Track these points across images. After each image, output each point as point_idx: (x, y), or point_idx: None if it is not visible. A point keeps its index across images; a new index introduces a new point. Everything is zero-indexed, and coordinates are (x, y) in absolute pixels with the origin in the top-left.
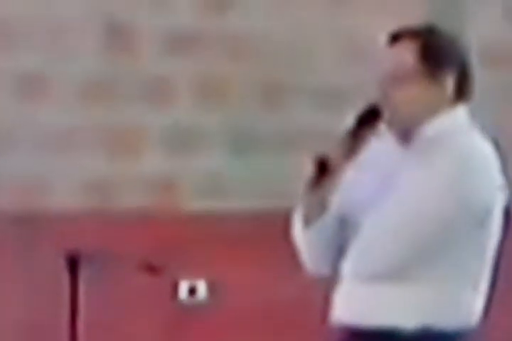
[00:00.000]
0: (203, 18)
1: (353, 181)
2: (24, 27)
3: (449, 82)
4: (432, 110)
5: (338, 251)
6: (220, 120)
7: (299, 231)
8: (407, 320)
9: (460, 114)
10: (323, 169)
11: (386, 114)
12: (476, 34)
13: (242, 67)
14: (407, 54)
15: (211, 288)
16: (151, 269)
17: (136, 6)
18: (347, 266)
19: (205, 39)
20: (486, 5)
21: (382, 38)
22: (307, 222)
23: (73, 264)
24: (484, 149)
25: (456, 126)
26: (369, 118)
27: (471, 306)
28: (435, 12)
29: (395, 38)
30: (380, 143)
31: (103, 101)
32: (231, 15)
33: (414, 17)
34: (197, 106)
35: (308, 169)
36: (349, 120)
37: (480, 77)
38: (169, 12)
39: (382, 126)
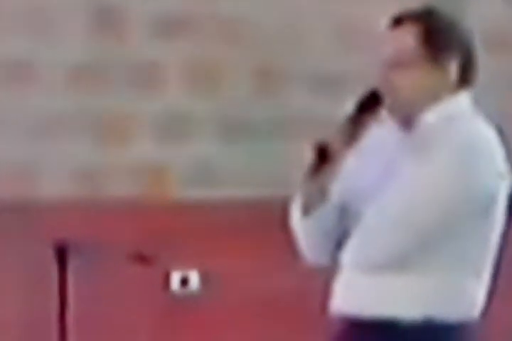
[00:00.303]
0: (194, 1)
1: (354, 169)
2: (11, 11)
3: (452, 67)
4: (435, 96)
5: (338, 240)
6: (211, 106)
7: (297, 220)
8: (408, 311)
9: (463, 100)
10: (323, 156)
11: (387, 100)
12: (479, 19)
13: (234, 52)
14: (409, 38)
15: (204, 278)
16: (142, 259)
17: None
18: (347, 256)
19: (196, 23)
20: None
21: (381, 22)
22: (306, 210)
23: (62, 254)
24: (488, 136)
25: (459, 112)
26: (370, 104)
27: (473, 297)
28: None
29: (397, 21)
30: (381, 129)
31: (92, 86)
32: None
33: (411, 1)
34: (188, 91)
35: (307, 156)
36: (347, 106)
37: (483, 62)
38: None
39: (383, 112)
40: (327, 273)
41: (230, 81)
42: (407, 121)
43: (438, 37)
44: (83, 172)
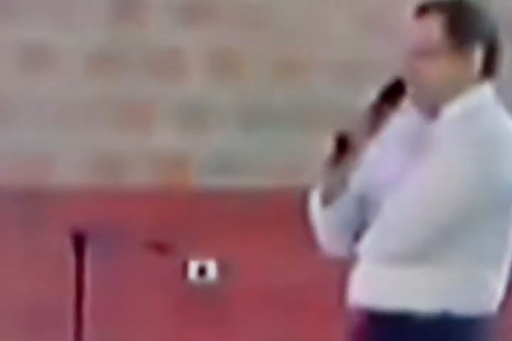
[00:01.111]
0: None
1: (375, 159)
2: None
3: (477, 57)
4: (459, 86)
5: (356, 231)
6: (232, 94)
7: (316, 210)
8: (425, 304)
9: (487, 91)
10: (344, 146)
11: (411, 89)
12: (503, 10)
13: (255, 40)
14: (435, 26)
15: (221, 268)
16: (160, 248)
17: None
18: (365, 247)
19: (218, 10)
20: None
21: (405, 10)
22: (326, 200)
23: (79, 242)
24: (510, 129)
25: (482, 104)
26: (393, 93)
27: (491, 291)
28: None
29: (423, 9)
30: (404, 119)
31: (111, 74)
32: None
33: None
34: (209, 79)
35: (328, 146)
36: (369, 95)
37: (507, 54)
38: None
39: (405, 102)
40: (345, 264)
41: (251, 69)
42: (431, 112)
43: (463, 27)
44: (102, 160)
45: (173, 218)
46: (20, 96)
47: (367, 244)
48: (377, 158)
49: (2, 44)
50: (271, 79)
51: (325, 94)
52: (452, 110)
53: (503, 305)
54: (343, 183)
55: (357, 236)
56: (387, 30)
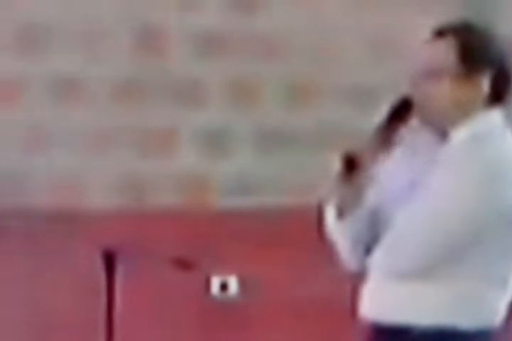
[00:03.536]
0: (232, 19)
1: (387, 175)
2: (59, 30)
3: (485, 83)
4: (466, 110)
5: (368, 246)
6: (250, 120)
7: (331, 224)
8: (430, 319)
9: (495, 117)
10: (351, 166)
11: (419, 109)
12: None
13: (270, 67)
14: (447, 50)
15: (243, 283)
16: (184, 265)
17: (167, 9)
18: (374, 262)
19: (234, 40)
20: None
21: (413, 34)
22: (340, 214)
23: (109, 261)
24: None
25: (489, 129)
26: (401, 111)
27: (495, 307)
28: (465, 10)
29: (438, 33)
30: (417, 136)
31: (136, 102)
32: (259, 17)
33: (440, 14)
34: (227, 106)
35: (335, 167)
36: (379, 117)
37: None
38: (198, 14)
39: (414, 120)
40: (360, 279)
41: (267, 96)
42: (439, 133)
43: (475, 52)
44: (129, 183)
45: (196, 236)
46: (51, 124)
47: (376, 260)
48: (389, 174)
49: (37, 76)
50: (285, 105)
51: (337, 117)
52: (460, 134)
53: (507, 320)
54: (354, 198)
55: (369, 251)
56: (397, 55)
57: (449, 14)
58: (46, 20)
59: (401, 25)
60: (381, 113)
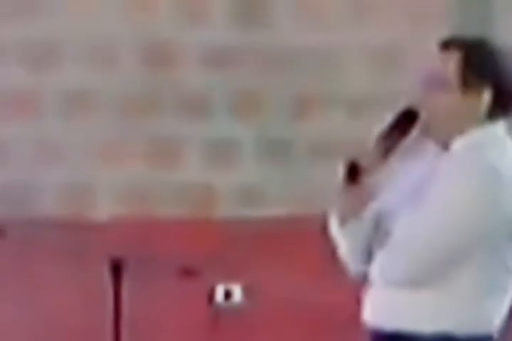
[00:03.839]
0: (238, 34)
1: (388, 184)
2: (69, 44)
3: (487, 95)
4: (468, 121)
5: (370, 254)
6: (254, 132)
7: (335, 230)
8: (430, 326)
9: (497, 129)
10: (354, 173)
11: (421, 119)
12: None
13: (275, 80)
14: (452, 62)
15: (246, 292)
16: (189, 274)
17: (176, 24)
18: (375, 271)
19: (240, 54)
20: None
21: (416, 46)
22: (343, 221)
23: (116, 269)
24: None
25: (490, 141)
26: (404, 121)
27: (494, 314)
28: (460, 23)
29: (441, 46)
30: (418, 146)
31: (144, 114)
32: (264, 31)
33: (437, 27)
34: (233, 118)
35: (339, 175)
36: (381, 126)
37: None
38: (206, 29)
39: (416, 130)
40: (363, 286)
41: (272, 107)
42: (441, 144)
43: (478, 65)
44: (137, 193)
45: (201, 246)
46: (61, 136)
47: (377, 268)
48: (390, 183)
49: (48, 90)
50: (290, 117)
51: (341, 128)
52: (460, 145)
53: (505, 327)
54: (357, 206)
55: (371, 257)
56: (399, 67)
57: (447, 26)
58: (57, 35)
59: (403, 38)
60: (383, 123)
